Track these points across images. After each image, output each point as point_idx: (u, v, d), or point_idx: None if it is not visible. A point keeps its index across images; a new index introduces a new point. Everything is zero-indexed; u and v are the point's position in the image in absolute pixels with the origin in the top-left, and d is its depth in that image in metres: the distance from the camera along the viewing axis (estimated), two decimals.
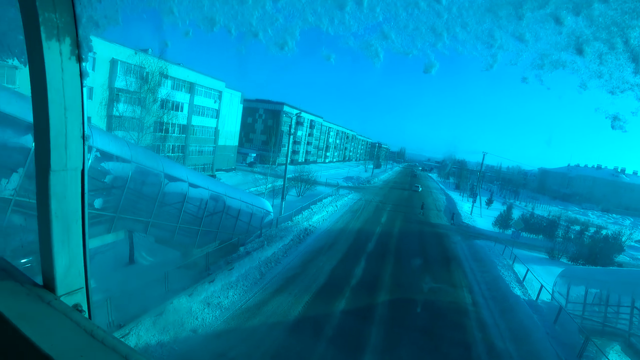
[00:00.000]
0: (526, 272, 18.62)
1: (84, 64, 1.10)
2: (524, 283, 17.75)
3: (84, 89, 1.12)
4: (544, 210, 48.67)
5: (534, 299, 15.73)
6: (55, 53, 1.00)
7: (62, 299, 1.13)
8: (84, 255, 1.24)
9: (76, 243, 1.20)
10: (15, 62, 1.27)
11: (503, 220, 34.64)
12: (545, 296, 15.94)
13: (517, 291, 16.41)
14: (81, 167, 1.17)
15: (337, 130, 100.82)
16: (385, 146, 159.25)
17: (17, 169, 8.19)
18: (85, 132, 1.15)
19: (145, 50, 30.20)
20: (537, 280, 17.45)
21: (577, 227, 33.53)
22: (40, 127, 1.03)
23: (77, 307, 1.17)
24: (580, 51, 0.84)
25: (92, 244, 10.51)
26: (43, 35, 0.96)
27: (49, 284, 1.14)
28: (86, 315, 1.20)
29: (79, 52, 1.07)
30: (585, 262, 24.94)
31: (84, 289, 1.23)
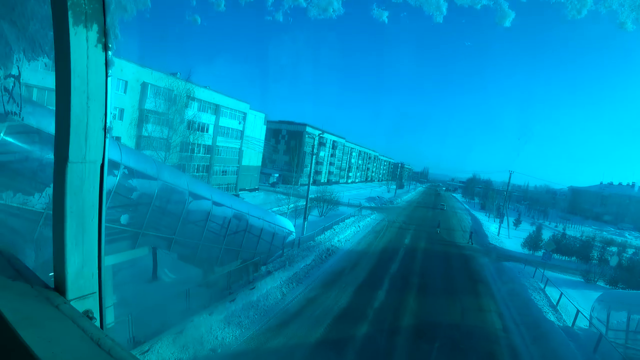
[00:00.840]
0: (560, 296, 17.58)
1: (109, 52, 1.06)
2: (558, 308, 16.76)
3: (109, 79, 1.09)
4: (576, 230, 46.46)
5: (570, 325, 14.78)
6: (82, 39, 0.98)
7: (72, 303, 1.07)
8: (98, 257, 1.17)
9: (91, 242, 1.13)
10: (46, 59, 1.27)
11: (532, 241, 33.25)
12: (582, 322, 14.97)
13: (551, 317, 15.49)
14: (101, 161, 1.12)
15: (360, 151, 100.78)
16: (407, 166, 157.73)
17: (50, 184, 8.50)
18: (107, 124, 1.10)
19: (174, 74, 31.50)
20: (573, 305, 16.46)
21: (614, 249, 31.67)
22: (61, 114, 1.00)
23: (87, 314, 1.09)
24: None
25: (116, 259, 10.70)
26: (70, 21, 0.94)
27: (60, 287, 1.08)
28: (97, 323, 1.13)
29: (105, 40, 1.04)
30: (626, 285, 23.38)
31: (97, 295, 1.16)
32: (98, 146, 1.10)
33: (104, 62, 1.06)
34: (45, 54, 1.27)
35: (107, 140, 1.12)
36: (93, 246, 1.14)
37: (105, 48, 1.05)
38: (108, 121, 1.11)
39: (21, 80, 1.56)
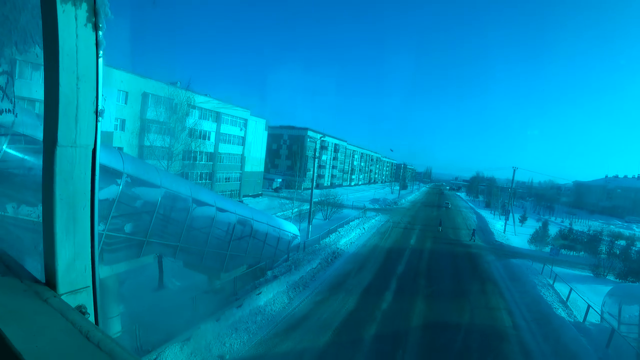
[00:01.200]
0: (569, 292, 17.37)
1: (100, 32, 1.01)
2: (568, 303, 16.57)
3: (100, 60, 1.03)
4: (583, 225, 46.04)
5: (581, 321, 14.60)
6: (70, 18, 0.94)
7: (63, 297, 1.01)
8: (91, 248, 1.09)
9: (83, 233, 1.06)
10: (37, 50, 1.23)
11: (539, 237, 33.03)
12: (593, 317, 14.77)
13: (562, 312, 15.30)
14: (92, 146, 1.05)
15: (362, 153, 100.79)
16: (410, 167, 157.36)
17: None
18: (100, 108, 1.05)
19: (174, 83, 31.69)
20: (583, 300, 16.25)
21: (623, 242, 31.27)
22: (49, 95, 0.96)
23: (80, 309, 1.03)
24: None
25: (121, 267, 10.69)
26: None
27: (51, 280, 1.02)
28: (92, 318, 1.06)
29: (95, 20, 0.99)
30: (636, 279, 23.08)
31: (91, 289, 1.09)
32: (89, 130, 1.04)
33: (95, 42, 1.01)
34: (37, 44, 1.23)
35: (99, 124, 1.06)
36: (85, 237, 1.07)
37: (96, 28, 1.00)
38: (100, 104, 1.06)
39: (14, 77, 1.53)
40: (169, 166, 28.38)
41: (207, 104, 36.67)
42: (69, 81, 0.96)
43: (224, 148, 40.02)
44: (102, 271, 10.17)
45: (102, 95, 1.05)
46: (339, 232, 26.99)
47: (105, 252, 10.01)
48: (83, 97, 1.00)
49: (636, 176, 78.18)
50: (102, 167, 9.64)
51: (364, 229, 31.14)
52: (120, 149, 25.58)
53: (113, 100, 26.84)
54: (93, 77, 1.02)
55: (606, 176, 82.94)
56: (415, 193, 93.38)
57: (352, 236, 27.40)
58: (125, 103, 27.81)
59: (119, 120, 27.47)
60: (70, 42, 0.95)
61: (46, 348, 0.77)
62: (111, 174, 9.97)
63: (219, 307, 12.59)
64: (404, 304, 15.09)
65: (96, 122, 1.05)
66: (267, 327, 12.29)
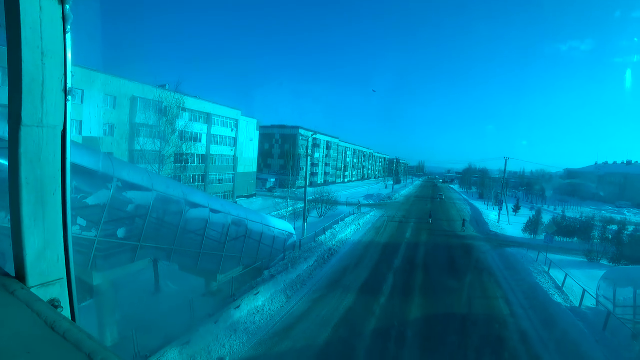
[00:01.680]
0: (565, 278, 17.57)
1: (67, 6, 0.94)
2: (564, 289, 16.75)
3: (68, 36, 0.96)
4: (575, 211, 46.46)
5: (577, 306, 14.76)
6: None
7: (33, 290, 0.94)
8: (64, 237, 1.02)
9: (53, 220, 0.99)
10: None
11: (533, 226, 33.33)
12: (589, 301, 14.94)
13: (558, 298, 15.46)
14: (62, 127, 0.98)
15: (354, 150, 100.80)
16: (403, 162, 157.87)
17: None
18: (69, 86, 0.97)
19: (162, 86, 31.36)
20: (578, 285, 16.43)
21: (614, 227, 31.66)
22: (13, 71, 0.89)
23: (53, 302, 0.95)
24: None
25: (116, 274, 10.57)
26: None
27: (20, 272, 0.95)
28: (66, 312, 0.99)
29: None
30: (629, 262, 23.40)
31: (65, 281, 1.01)
32: (58, 109, 0.97)
33: (61, 15, 0.94)
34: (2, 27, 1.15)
35: (68, 103, 0.99)
36: (57, 225, 1.00)
37: (62, 1, 0.94)
38: (69, 83, 0.98)
39: None
40: (161, 170, 28.10)
41: (197, 106, 36.39)
42: (33, 57, 0.89)
43: (215, 149, 39.75)
44: (96, 278, 10.03)
45: (72, 73, 0.98)
46: (335, 229, 26.98)
47: (99, 259, 9.86)
48: (49, 74, 0.93)
49: (625, 162, 79.37)
50: (92, 172, 9.52)
51: (360, 224, 31.17)
52: (110, 154, 25.30)
53: (101, 105, 26.50)
54: (60, 53, 0.95)
55: (596, 163, 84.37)
56: (409, 187, 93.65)
57: (347, 232, 27.42)
58: (114, 108, 27.46)
59: (107, 125, 27.13)
60: (34, 14, 0.88)
61: (7, 340, 0.71)
62: (101, 179, 9.82)
63: (217, 308, 12.48)
64: (403, 298, 15.12)
65: (65, 101, 0.98)
66: (266, 327, 12.24)
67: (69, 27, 0.96)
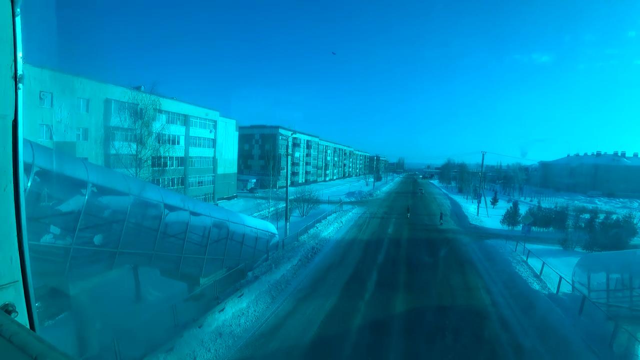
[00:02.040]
0: (542, 266, 18.12)
1: None
2: (542, 277, 17.26)
3: (18, 19, 0.86)
4: (550, 202, 48.05)
5: (555, 292, 15.23)
6: None
7: None
8: (18, 237, 0.92)
9: (4, 218, 0.89)
10: None
11: (511, 217, 34.28)
12: (565, 288, 15.45)
13: (536, 286, 15.94)
14: (12, 116, 0.89)
15: (334, 148, 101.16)
16: (383, 158, 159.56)
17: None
18: (19, 73, 0.87)
19: (137, 88, 30.60)
20: (555, 272, 16.98)
21: (587, 215, 33.00)
22: None
23: (6, 308, 0.87)
24: None
25: (93, 282, 10.23)
26: None
27: None
28: (21, 318, 0.90)
29: None
30: (601, 248, 24.35)
31: (20, 284, 0.92)
32: (7, 98, 0.87)
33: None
34: None
35: (19, 91, 0.89)
36: (8, 223, 0.91)
37: None
38: (19, 69, 0.88)
39: None
40: (138, 173, 27.43)
41: (175, 107, 35.72)
42: None
43: (194, 151, 39.17)
44: (73, 288, 9.70)
45: (22, 59, 0.88)
46: (317, 228, 27.00)
47: (74, 267, 9.53)
48: None
49: (595, 153, 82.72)
50: (66, 178, 9.19)
51: (342, 222, 31.30)
52: (84, 159, 24.55)
53: (73, 109, 25.66)
54: (9, 37, 0.85)
55: (568, 155, 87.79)
56: (389, 184, 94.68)
57: (330, 230, 27.48)
58: (87, 111, 26.67)
59: (81, 129, 26.29)
60: None
61: None
62: (75, 185, 9.50)
63: (201, 312, 12.25)
64: (387, 292, 15.26)
65: (15, 89, 0.89)
66: (252, 329, 12.12)
67: (18, 9, 0.86)
